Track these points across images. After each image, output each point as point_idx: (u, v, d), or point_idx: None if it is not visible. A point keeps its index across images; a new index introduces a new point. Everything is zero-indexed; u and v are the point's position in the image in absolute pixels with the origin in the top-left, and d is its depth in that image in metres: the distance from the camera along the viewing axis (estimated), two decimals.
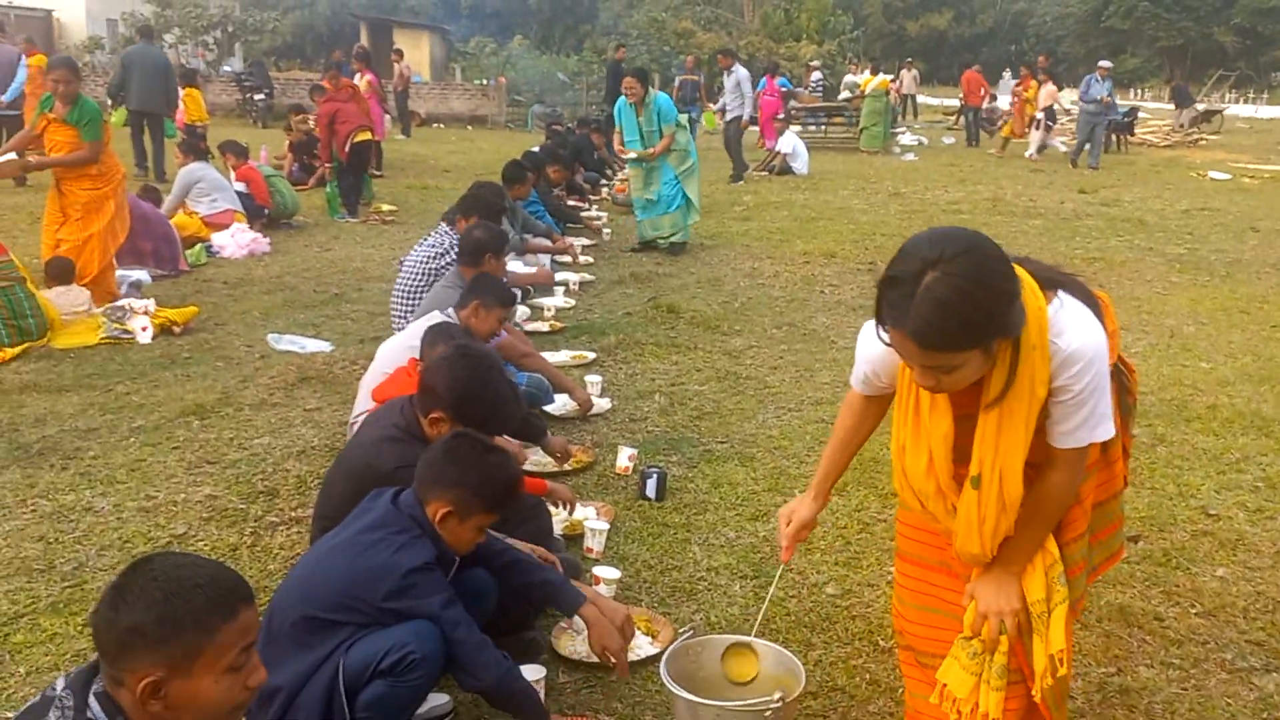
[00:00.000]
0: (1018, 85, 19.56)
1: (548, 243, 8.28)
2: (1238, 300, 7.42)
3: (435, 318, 4.11)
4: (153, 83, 12.23)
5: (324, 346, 5.94)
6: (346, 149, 10.51)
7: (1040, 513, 1.95)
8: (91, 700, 1.62)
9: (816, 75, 24.57)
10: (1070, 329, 1.81)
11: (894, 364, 1.96)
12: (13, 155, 6.55)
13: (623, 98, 9.05)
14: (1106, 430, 1.88)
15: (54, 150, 6.56)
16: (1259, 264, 8.94)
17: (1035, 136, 18.46)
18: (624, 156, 9.31)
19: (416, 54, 29.93)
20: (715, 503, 3.95)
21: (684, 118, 9.52)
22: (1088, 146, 16.71)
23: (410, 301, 5.41)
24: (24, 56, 12.50)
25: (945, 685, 2.02)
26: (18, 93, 12.00)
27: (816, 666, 2.84)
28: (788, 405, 5.10)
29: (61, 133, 6.49)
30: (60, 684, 1.67)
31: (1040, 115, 18.36)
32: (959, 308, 1.64)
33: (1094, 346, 1.82)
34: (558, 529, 3.57)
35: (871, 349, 2.03)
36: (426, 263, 5.48)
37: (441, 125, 24.88)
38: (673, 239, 9.10)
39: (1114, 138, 20.10)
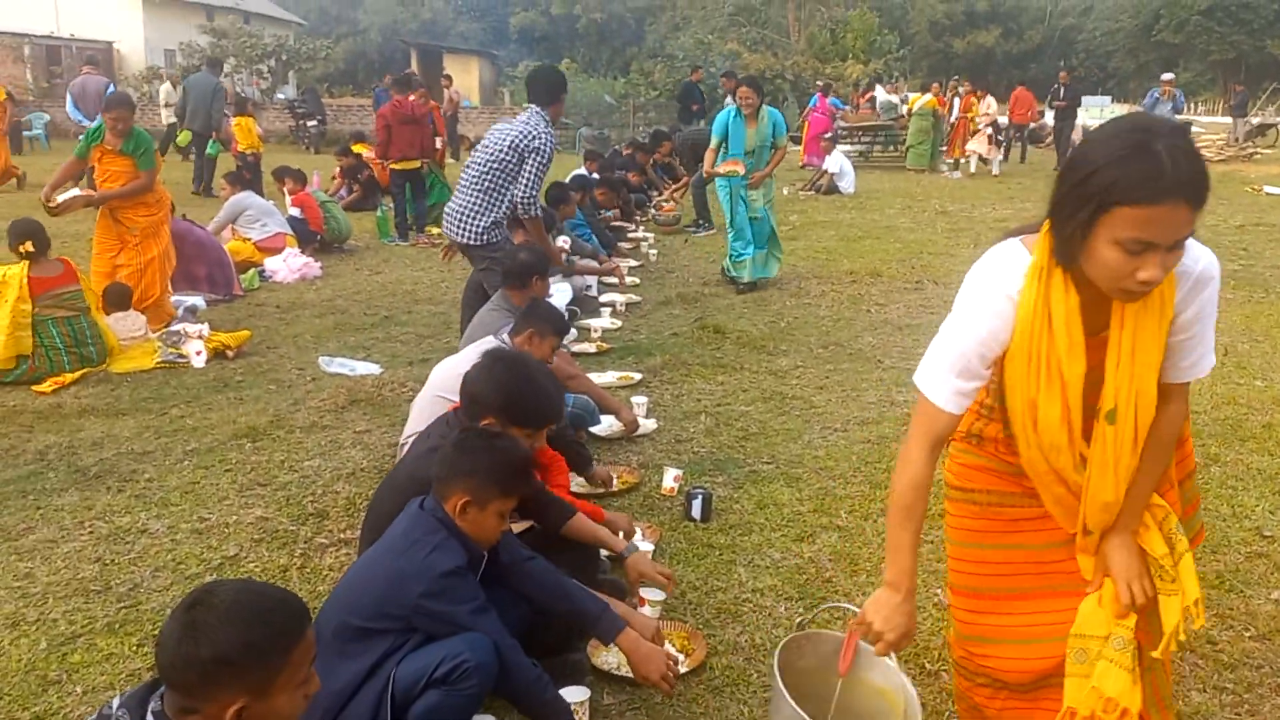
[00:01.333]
0: (962, 104, 19.46)
1: (594, 264, 8.35)
2: None
3: (489, 342, 4.14)
4: (199, 105, 13.39)
5: (374, 369, 6.02)
6: (389, 174, 10.73)
7: (1157, 450, 1.94)
8: (149, 718, 1.66)
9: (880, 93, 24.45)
10: (1195, 247, 1.80)
11: (1011, 324, 1.87)
12: (76, 191, 6.59)
13: (732, 108, 8.18)
14: (1211, 361, 1.92)
15: (109, 180, 6.68)
16: None
17: (994, 153, 18.37)
18: (715, 174, 8.22)
19: (466, 79, 30.36)
20: (761, 524, 3.93)
21: None
22: None
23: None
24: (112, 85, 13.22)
25: (1110, 697, 1.91)
26: None
27: None
28: (834, 425, 5.07)
29: (117, 163, 6.63)
30: (116, 703, 1.71)
31: (989, 130, 18.48)
32: (1200, 159, 1.65)
33: (1217, 266, 1.84)
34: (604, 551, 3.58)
35: (987, 318, 1.88)
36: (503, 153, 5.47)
37: None
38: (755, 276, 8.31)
39: None
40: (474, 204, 5.50)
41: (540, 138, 5.45)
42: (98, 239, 6.86)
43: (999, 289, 1.86)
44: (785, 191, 15.56)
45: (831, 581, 3.45)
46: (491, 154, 5.48)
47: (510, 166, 5.45)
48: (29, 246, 5.83)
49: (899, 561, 2.00)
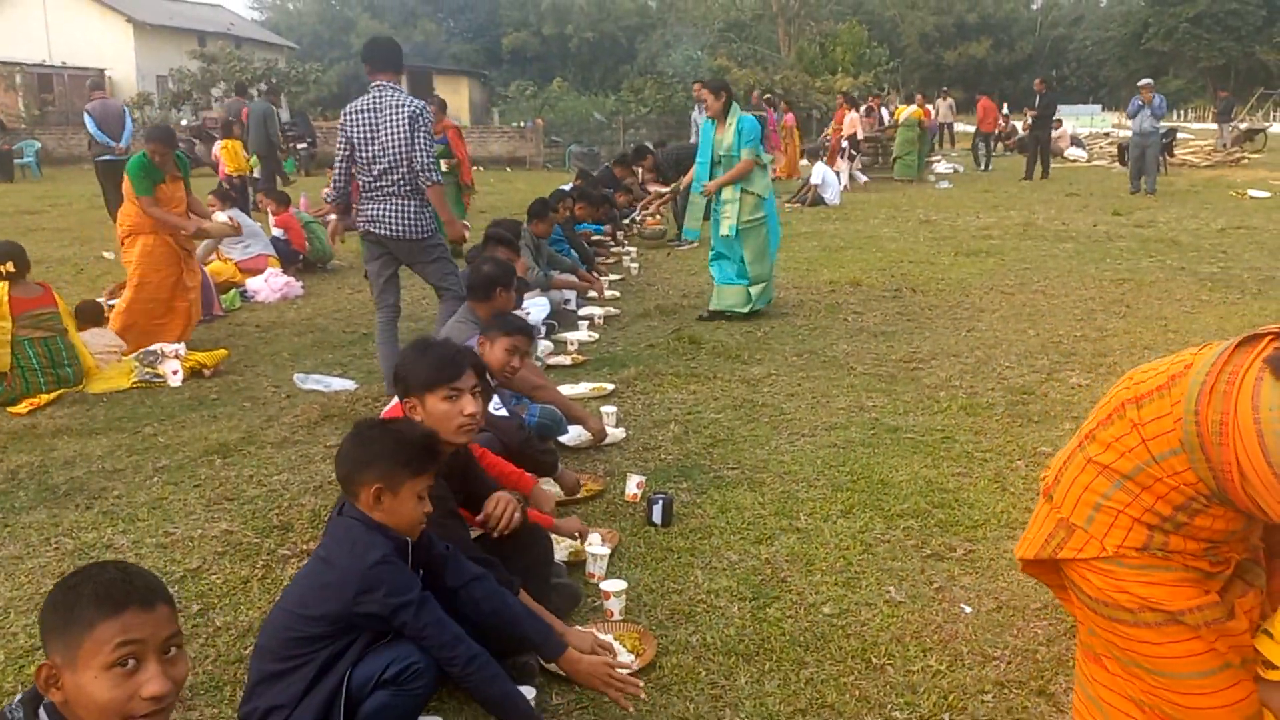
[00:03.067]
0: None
1: (573, 278, 8.40)
2: (1267, 316, 7.29)
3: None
4: (258, 131, 15.18)
5: (348, 385, 6.06)
6: None
7: None
8: (41, 712, 1.69)
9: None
10: None
11: None
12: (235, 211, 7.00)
13: (706, 118, 7.69)
14: None
15: (177, 206, 6.86)
16: None
17: (844, 166, 18.39)
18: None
19: (456, 99, 30.53)
20: (721, 527, 3.96)
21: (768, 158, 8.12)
22: (1143, 176, 16.24)
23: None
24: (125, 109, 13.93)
25: None
26: (129, 140, 13.05)
27: (807, 684, 2.84)
28: (801, 431, 5.11)
29: (180, 189, 6.91)
30: (16, 699, 1.75)
31: (845, 144, 18.52)
32: None
33: None
34: (562, 555, 3.61)
35: None
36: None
37: (481, 168, 25.27)
38: (744, 308, 7.66)
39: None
40: (410, 204, 5.58)
41: (416, 103, 5.55)
42: (153, 265, 6.84)
43: None
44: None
45: (786, 581, 3.47)
46: (397, 150, 5.48)
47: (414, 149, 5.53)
48: (10, 267, 5.88)
49: None
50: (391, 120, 5.47)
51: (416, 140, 5.47)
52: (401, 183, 5.53)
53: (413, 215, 5.58)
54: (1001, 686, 2.82)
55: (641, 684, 2.67)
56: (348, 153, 5.62)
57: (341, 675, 2.36)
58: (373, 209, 5.60)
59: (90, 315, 6.56)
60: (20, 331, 5.79)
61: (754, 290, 7.62)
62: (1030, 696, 2.77)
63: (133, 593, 1.70)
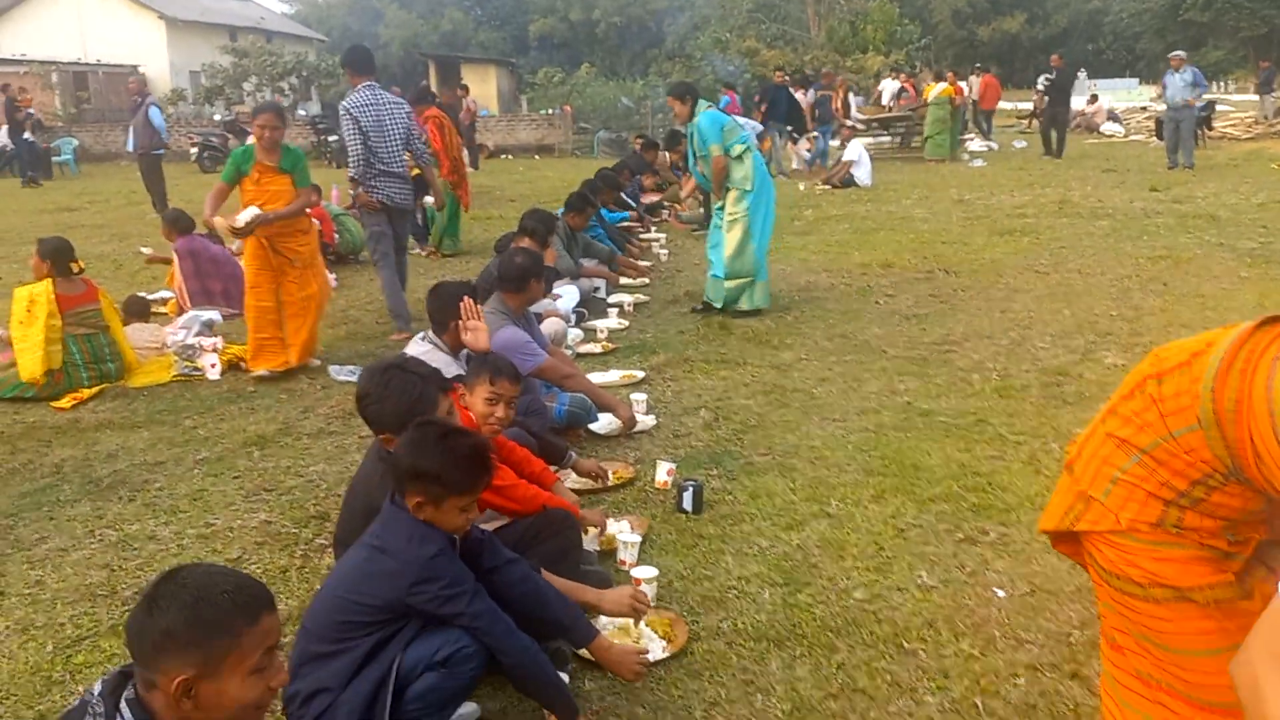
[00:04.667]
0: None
1: (604, 268, 8.43)
2: None
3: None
4: None
5: None
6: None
7: None
8: (123, 706, 1.74)
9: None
10: None
11: None
12: (256, 209, 5.84)
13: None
14: None
15: (268, 202, 5.93)
16: None
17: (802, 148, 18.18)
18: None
19: (484, 88, 30.60)
20: (752, 513, 3.97)
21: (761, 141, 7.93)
22: (1179, 150, 15.98)
23: None
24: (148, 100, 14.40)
25: None
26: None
27: (839, 669, 2.85)
28: (832, 416, 5.10)
29: (276, 181, 5.99)
30: (96, 689, 1.80)
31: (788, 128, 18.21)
32: None
33: None
34: (593, 544, 3.64)
35: None
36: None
37: (509, 156, 25.36)
38: (718, 301, 7.39)
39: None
40: (406, 182, 7.20)
41: (403, 101, 7.26)
42: (252, 274, 6.12)
43: None
44: (802, 187, 15.58)
45: (817, 567, 3.48)
46: (400, 138, 7.02)
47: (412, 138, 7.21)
48: (79, 264, 6.05)
49: None
50: (393, 114, 6.97)
51: (412, 130, 7.15)
52: (404, 163, 7.08)
53: (409, 190, 7.25)
54: (1034, 670, 2.82)
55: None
56: (362, 140, 6.82)
57: (391, 659, 2.41)
58: (385, 184, 6.97)
59: (137, 310, 6.69)
60: (67, 329, 5.91)
61: (730, 285, 7.26)
62: (1063, 680, 2.76)
63: (261, 596, 1.81)
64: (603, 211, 10.65)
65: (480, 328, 4.08)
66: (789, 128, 17.89)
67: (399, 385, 2.89)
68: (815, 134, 18.87)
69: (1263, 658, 1.47)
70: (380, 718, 2.40)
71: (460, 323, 4.10)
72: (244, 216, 5.84)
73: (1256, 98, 25.44)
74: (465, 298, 4.12)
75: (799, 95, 18.87)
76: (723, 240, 7.27)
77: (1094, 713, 2.58)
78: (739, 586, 3.38)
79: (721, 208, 7.36)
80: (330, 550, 3.79)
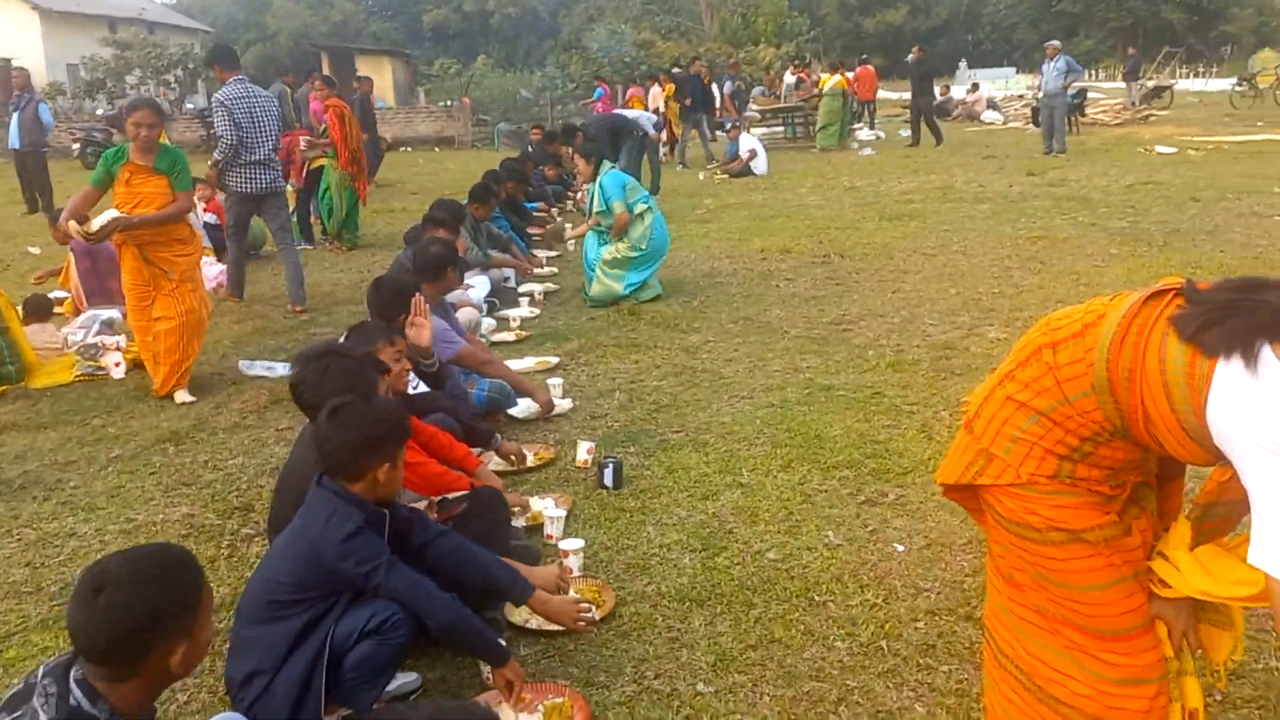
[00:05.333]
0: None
1: (509, 258, 8.53)
2: (1172, 267, 7.71)
3: None
4: None
5: None
6: (304, 173, 10.70)
7: None
8: (73, 685, 1.83)
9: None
10: None
11: None
12: (113, 212, 5.29)
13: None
14: None
15: (139, 205, 5.41)
16: (1196, 232, 9.26)
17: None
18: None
19: (380, 79, 30.07)
20: (670, 486, 4.17)
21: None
22: (1054, 136, 16.74)
23: None
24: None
25: (1193, 708, 2.06)
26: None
27: (756, 623, 3.07)
28: (740, 394, 5.34)
29: (150, 183, 5.46)
30: (41, 672, 1.88)
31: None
32: None
33: None
34: (520, 521, 3.80)
35: None
36: None
37: (409, 149, 25.08)
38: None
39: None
40: (277, 168, 7.88)
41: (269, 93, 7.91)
42: (129, 286, 5.69)
43: None
44: (701, 176, 15.88)
45: (733, 532, 3.71)
46: (272, 128, 7.68)
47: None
48: None
49: None
50: (265, 107, 7.61)
51: (279, 121, 7.87)
52: (272, 151, 7.72)
53: (277, 173, 7.89)
54: (932, 615, 3.09)
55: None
56: (235, 130, 7.41)
57: (323, 638, 2.53)
58: (256, 173, 7.64)
59: (37, 310, 6.55)
60: None
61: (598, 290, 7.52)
62: (959, 622, 3.03)
63: (187, 556, 1.97)
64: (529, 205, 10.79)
65: (425, 325, 4.20)
66: (704, 118, 18.19)
67: (340, 370, 2.99)
68: (733, 124, 19.23)
69: None
70: (317, 692, 2.52)
71: (408, 318, 4.20)
72: (100, 220, 5.25)
73: (1124, 85, 26.77)
74: (418, 295, 4.23)
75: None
76: (599, 258, 7.56)
77: None
78: (661, 553, 3.57)
79: (608, 242, 7.58)
80: (257, 539, 3.86)
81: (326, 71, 26.28)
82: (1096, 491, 2.03)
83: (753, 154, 15.84)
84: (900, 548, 3.54)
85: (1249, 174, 13.22)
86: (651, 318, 7.04)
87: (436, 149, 25.29)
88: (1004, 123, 25.41)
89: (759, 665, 2.86)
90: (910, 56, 20.43)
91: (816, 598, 3.21)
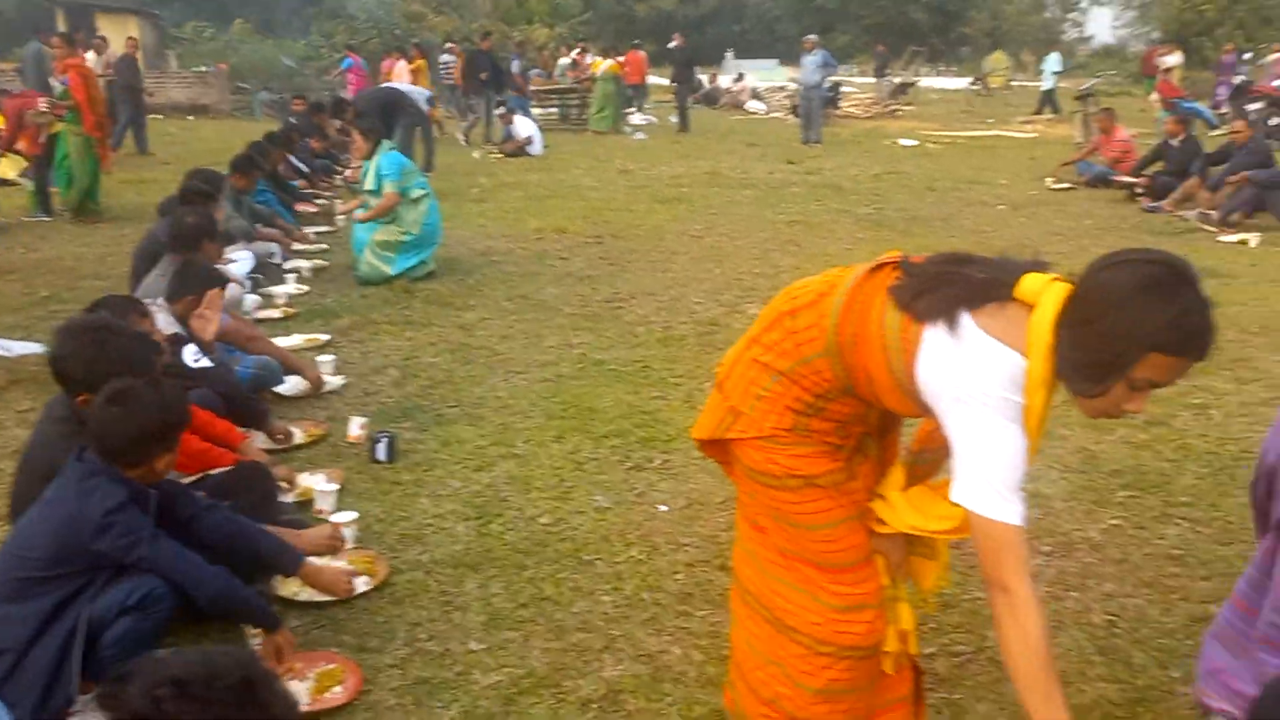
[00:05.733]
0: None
1: (277, 232, 8.25)
2: (911, 249, 8.37)
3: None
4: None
5: (34, 348, 5.71)
6: (39, 141, 9.85)
7: None
8: None
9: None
10: None
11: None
12: None
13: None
14: None
15: None
16: (932, 218, 10.18)
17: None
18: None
19: (122, 41, 27.90)
20: (444, 459, 4.24)
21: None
22: (811, 127, 17.75)
23: None
24: None
25: (906, 629, 2.32)
26: None
27: (529, 583, 3.22)
28: (515, 369, 5.46)
29: None
30: None
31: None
32: None
33: None
34: (290, 498, 3.76)
35: (1017, 429, 1.91)
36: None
37: (161, 116, 23.42)
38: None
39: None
40: None
41: None
42: None
43: (1014, 399, 1.91)
44: (476, 155, 15.79)
45: (507, 500, 3.84)
46: None
47: None
48: None
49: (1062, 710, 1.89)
50: None
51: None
52: None
53: None
54: (690, 566, 3.34)
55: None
56: None
57: (77, 614, 2.46)
58: None
59: None
60: None
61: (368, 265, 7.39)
62: (714, 571, 3.30)
63: None
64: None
65: (213, 319, 4.08)
66: (498, 96, 17.92)
67: (117, 349, 2.83)
68: (507, 108, 19.10)
69: (1010, 574, 1.89)
70: (70, 670, 2.45)
71: (200, 308, 4.05)
72: None
73: (875, 81, 28.72)
74: (217, 290, 4.11)
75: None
76: (369, 239, 7.40)
77: None
78: (435, 524, 3.65)
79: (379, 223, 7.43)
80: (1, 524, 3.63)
81: (62, 29, 24.14)
82: (827, 442, 2.27)
83: (529, 140, 15.92)
84: (664, 508, 3.78)
85: (979, 166, 14.59)
86: (426, 295, 7.03)
87: (191, 117, 23.77)
88: (767, 112, 26.64)
89: (530, 621, 3.01)
90: (672, 43, 21.04)
91: (585, 557, 3.39)
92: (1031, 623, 1.86)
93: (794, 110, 22.04)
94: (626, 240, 9.13)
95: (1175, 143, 11.09)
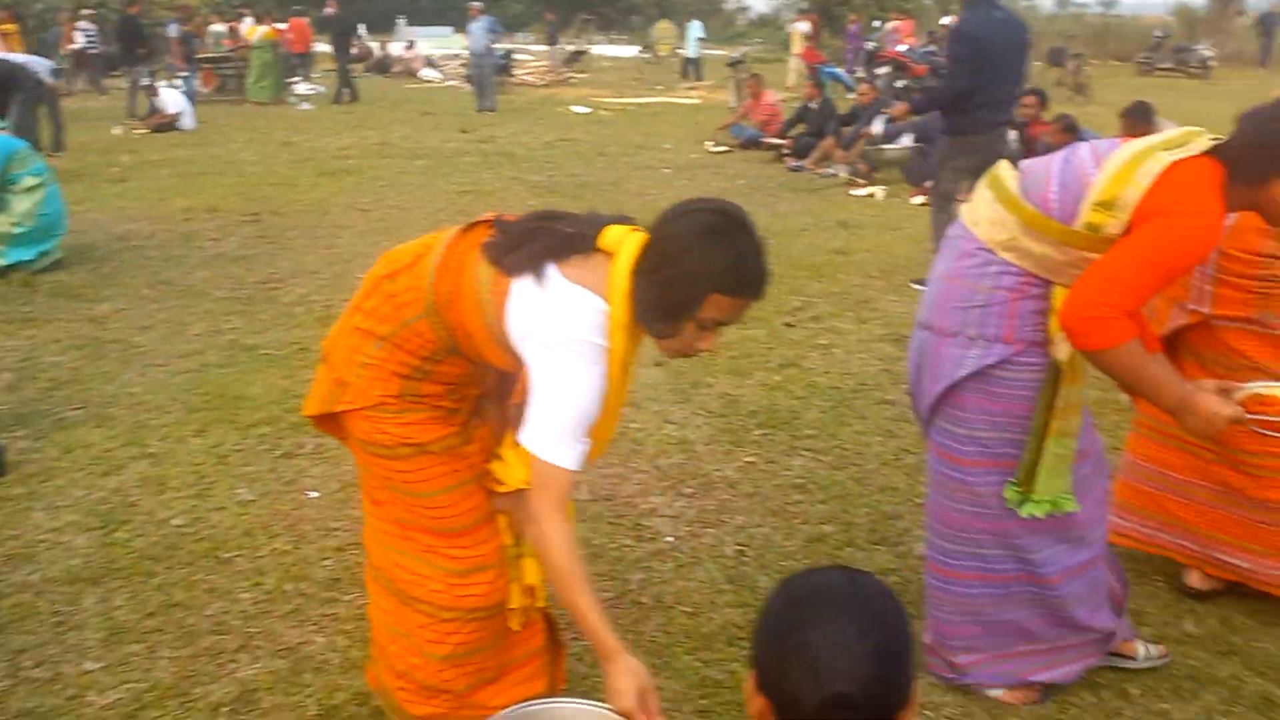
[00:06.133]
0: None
1: None
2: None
3: None
4: None
5: None
6: None
7: None
8: None
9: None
10: None
11: (604, 370, 2.03)
12: None
13: None
14: None
15: None
16: (602, 183, 10.45)
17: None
18: None
19: None
20: (65, 467, 3.85)
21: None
22: (485, 95, 17.63)
23: None
24: None
25: (532, 584, 2.34)
26: None
27: (157, 590, 3.00)
28: (154, 362, 5.05)
29: None
30: None
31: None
32: None
33: None
34: None
35: (597, 374, 2.00)
36: None
37: None
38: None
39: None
40: None
41: None
42: None
43: (596, 343, 1.98)
44: (117, 131, 14.39)
45: (136, 505, 3.54)
46: None
47: None
48: None
49: (606, 625, 1.95)
50: None
51: None
52: None
53: None
54: (340, 551, 3.25)
55: None
56: None
57: None
58: None
59: None
60: None
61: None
62: (363, 554, 3.21)
63: None
64: None
65: None
66: (143, 69, 16.09)
67: None
68: (182, 75, 17.43)
69: (544, 509, 1.99)
70: None
71: None
72: None
73: (547, 48, 29.02)
74: None
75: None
76: None
77: None
78: (50, 538, 3.31)
79: None
80: None
81: None
82: (440, 406, 2.27)
83: (179, 114, 14.69)
84: (314, 494, 3.64)
85: (647, 132, 15.12)
86: (51, 288, 6.33)
87: None
88: (442, 81, 26.21)
89: (157, 631, 2.81)
90: (327, 9, 20.11)
91: (224, 555, 3.20)
92: (554, 551, 1.98)
93: (469, 79, 21.82)
94: (287, 217, 8.68)
95: (813, 105, 12.07)
